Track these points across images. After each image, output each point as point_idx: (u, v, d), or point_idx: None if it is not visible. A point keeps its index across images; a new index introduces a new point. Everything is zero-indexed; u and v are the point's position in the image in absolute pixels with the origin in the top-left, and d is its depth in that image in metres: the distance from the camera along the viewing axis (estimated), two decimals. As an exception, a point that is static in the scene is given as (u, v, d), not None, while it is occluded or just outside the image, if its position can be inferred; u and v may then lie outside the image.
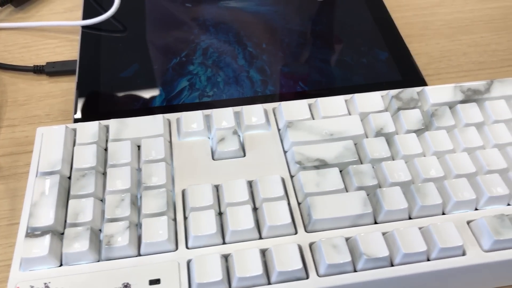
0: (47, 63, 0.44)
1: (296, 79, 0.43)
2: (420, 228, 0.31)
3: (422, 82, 0.43)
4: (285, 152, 0.36)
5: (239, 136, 0.36)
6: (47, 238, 0.30)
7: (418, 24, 0.49)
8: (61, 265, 0.30)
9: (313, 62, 0.44)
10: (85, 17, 0.48)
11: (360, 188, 0.33)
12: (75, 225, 0.31)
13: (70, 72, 0.44)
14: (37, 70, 0.44)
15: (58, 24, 0.47)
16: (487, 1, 0.52)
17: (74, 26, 0.48)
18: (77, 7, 0.50)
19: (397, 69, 0.44)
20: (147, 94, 0.41)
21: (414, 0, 0.51)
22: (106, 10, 0.47)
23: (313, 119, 0.37)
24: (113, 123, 0.36)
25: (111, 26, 0.47)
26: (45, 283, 0.29)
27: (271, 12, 0.48)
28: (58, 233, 0.31)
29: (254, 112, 0.37)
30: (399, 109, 0.37)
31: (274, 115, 0.38)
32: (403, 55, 0.45)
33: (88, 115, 0.40)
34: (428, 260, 0.30)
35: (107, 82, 0.42)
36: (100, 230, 0.31)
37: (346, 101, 0.38)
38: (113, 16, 0.47)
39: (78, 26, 0.47)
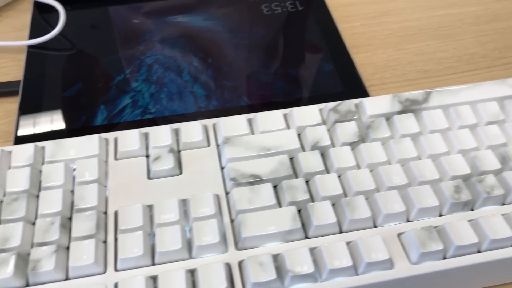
0: (-9, 84, 0.44)
1: (240, 93, 0.43)
2: (348, 243, 0.31)
3: (364, 93, 0.43)
4: (222, 168, 0.36)
5: (175, 154, 0.36)
6: (-29, 265, 0.29)
7: (365, 34, 0.49)
8: (-14, 292, 0.30)
9: (257, 75, 0.44)
10: (32, 36, 0.48)
11: (292, 203, 0.33)
12: (3, 250, 0.31)
13: (14, 93, 0.44)
14: (-20, 91, 0.44)
15: (3, 44, 0.47)
16: (435, 9, 0.52)
17: (20, 45, 0.47)
18: (25, 26, 0.50)
19: (341, 81, 0.44)
20: (89, 113, 0.41)
21: (362, 10, 0.52)
22: (54, 29, 0.47)
23: (253, 134, 0.38)
24: (49, 144, 0.36)
25: (58, 44, 0.47)
26: (-31, 312, 0.29)
27: (218, 26, 0.49)
28: (-15, 260, 0.30)
29: (192, 129, 0.37)
30: (336, 121, 0.38)
31: (214, 131, 0.38)
32: (347, 66, 0.45)
33: (29, 136, 0.40)
34: (357, 274, 0.30)
35: (50, 102, 0.42)
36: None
37: (285, 115, 0.39)
38: (61, 34, 0.47)
39: (24, 45, 0.47)
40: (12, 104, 0.43)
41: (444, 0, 0.53)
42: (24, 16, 0.51)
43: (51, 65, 0.45)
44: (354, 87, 0.43)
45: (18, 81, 0.44)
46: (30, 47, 0.47)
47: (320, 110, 0.39)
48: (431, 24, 0.50)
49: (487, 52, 0.48)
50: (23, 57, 0.46)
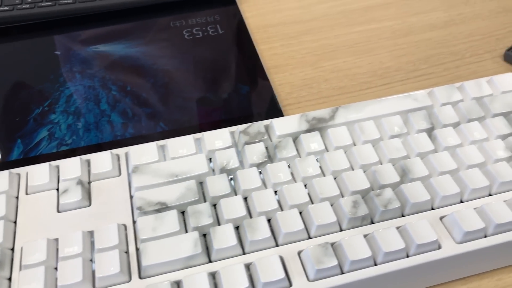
0: None
1: (157, 119, 0.44)
2: (249, 264, 0.32)
3: (279, 113, 0.44)
4: (131, 197, 0.36)
5: (84, 185, 0.36)
6: None
7: (284, 54, 0.51)
8: None
9: (175, 100, 0.45)
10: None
11: (196, 228, 0.33)
12: None
13: None
14: None
15: None
16: (353, 26, 0.54)
17: None
18: None
19: (257, 102, 0.45)
20: (5, 148, 0.41)
21: (283, 31, 0.53)
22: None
23: (165, 160, 0.38)
24: (-43, 183, 0.36)
25: (-21, 80, 0.47)
26: None
27: (139, 53, 0.49)
28: None
29: (102, 159, 0.37)
30: (245, 143, 0.38)
31: (126, 159, 0.39)
32: (263, 87, 0.46)
33: None
34: (255, 295, 0.31)
35: (-34, 139, 0.42)
36: None
37: (198, 139, 0.39)
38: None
39: None
40: None
41: (362, 16, 0.55)
42: None
43: (-31, 101, 0.45)
44: (269, 108, 0.44)
45: None
46: (-51, 84, 0.47)
47: (232, 133, 0.40)
48: (349, 41, 0.52)
49: (401, 65, 0.50)
50: None
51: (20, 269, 0.32)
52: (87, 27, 0.52)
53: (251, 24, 0.54)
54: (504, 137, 0.39)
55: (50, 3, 0.51)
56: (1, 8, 0.51)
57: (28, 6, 0.51)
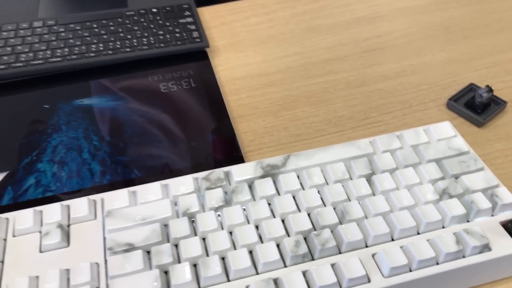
0: None
1: (131, 167, 0.49)
2: (201, 297, 0.37)
3: (241, 160, 0.50)
4: (104, 239, 0.41)
5: (63, 228, 0.41)
6: None
7: (249, 104, 0.57)
8: None
9: (148, 149, 0.51)
10: (-49, 125, 0.53)
11: (158, 267, 0.38)
12: None
13: None
14: None
15: None
16: (312, 78, 0.60)
17: None
18: None
19: (222, 150, 0.50)
20: (-4, 194, 0.47)
21: (248, 83, 0.59)
22: (-28, 117, 0.53)
23: (135, 205, 0.43)
24: (-48, 227, 0.41)
25: (-25, 132, 0.53)
26: None
27: (119, 106, 0.55)
28: None
29: (79, 205, 0.43)
30: (206, 189, 0.44)
31: (102, 204, 0.44)
32: (228, 135, 0.52)
33: None
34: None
35: (-38, 186, 0.48)
36: None
37: (165, 185, 0.45)
38: (-22, 121, 0.53)
39: None
40: None
41: (321, 69, 0.61)
42: None
43: (-34, 151, 0.51)
44: (232, 155, 0.50)
45: None
46: (-51, 136, 0.52)
47: (196, 179, 0.45)
48: (307, 92, 0.58)
49: (354, 114, 0.55)
50: None
51: (5, 304, 0.37)
52: (73, 82, 0.58)
53: (221, 77, 0.60)
54: (434, 181, 0.44)
55: (41, 61, 0.58)
56: (-2, 66, 0.57)
57: (21, 64, 0.58)
